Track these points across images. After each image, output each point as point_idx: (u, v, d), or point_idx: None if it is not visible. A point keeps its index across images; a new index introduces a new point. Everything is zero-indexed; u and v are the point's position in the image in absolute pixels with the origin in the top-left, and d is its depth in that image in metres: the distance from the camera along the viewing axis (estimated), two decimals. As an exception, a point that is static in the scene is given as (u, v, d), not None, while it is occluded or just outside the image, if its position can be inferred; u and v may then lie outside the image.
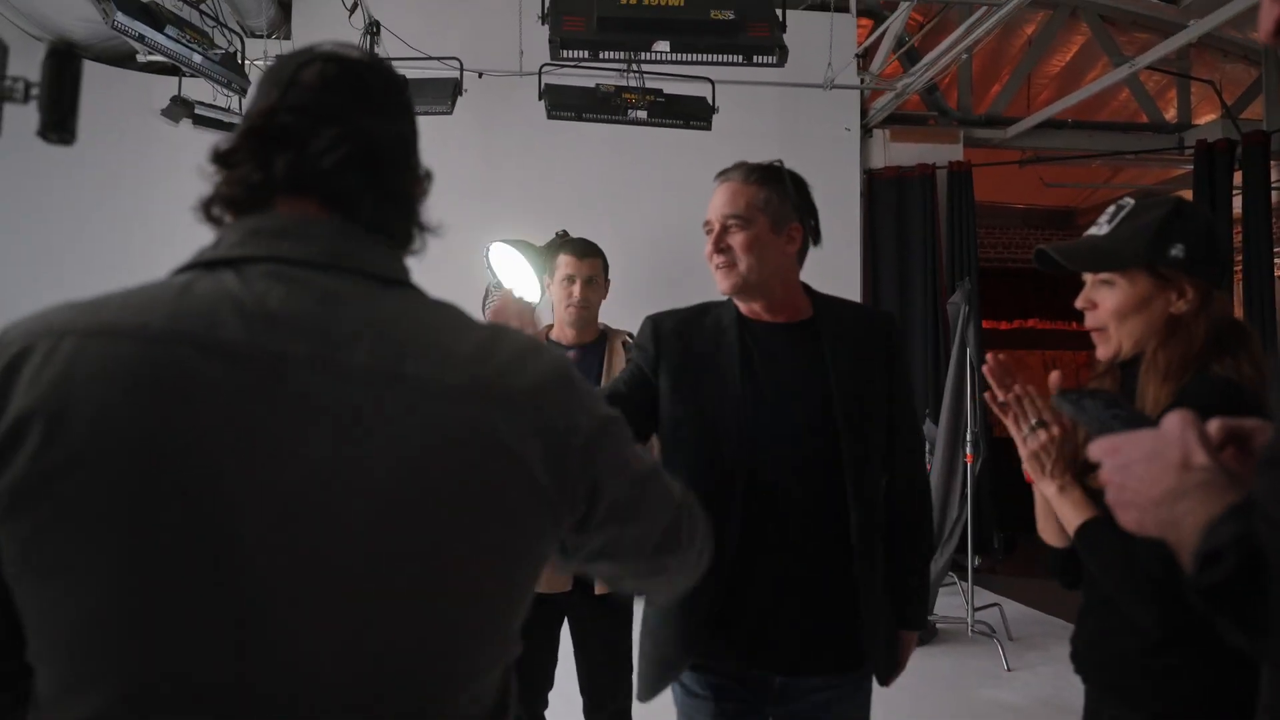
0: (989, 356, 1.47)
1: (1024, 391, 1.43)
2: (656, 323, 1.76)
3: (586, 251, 2.74)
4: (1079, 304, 1.45)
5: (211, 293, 0.76)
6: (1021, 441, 1.42)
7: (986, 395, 1.49)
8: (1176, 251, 1.32)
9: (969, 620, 4.47)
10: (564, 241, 2.84)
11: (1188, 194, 8.66)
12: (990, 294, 9.06)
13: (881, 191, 6.79)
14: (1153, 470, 0.75)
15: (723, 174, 1.76)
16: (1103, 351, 1.42)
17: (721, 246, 1.67)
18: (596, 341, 2.74)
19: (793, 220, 1.72)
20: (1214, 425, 0.79)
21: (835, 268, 6.51)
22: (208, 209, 0.86)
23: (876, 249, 6.80)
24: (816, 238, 1.78)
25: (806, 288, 1.77)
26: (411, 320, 0.82)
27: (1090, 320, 1.43)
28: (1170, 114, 7.47)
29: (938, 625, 4.64)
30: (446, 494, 0.74)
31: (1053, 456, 1.38)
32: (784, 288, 1.71)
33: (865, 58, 6.55)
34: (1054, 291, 10.47)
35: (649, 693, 1.66)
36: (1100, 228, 1.43)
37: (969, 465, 4.50)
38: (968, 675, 4.17)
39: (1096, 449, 0.83)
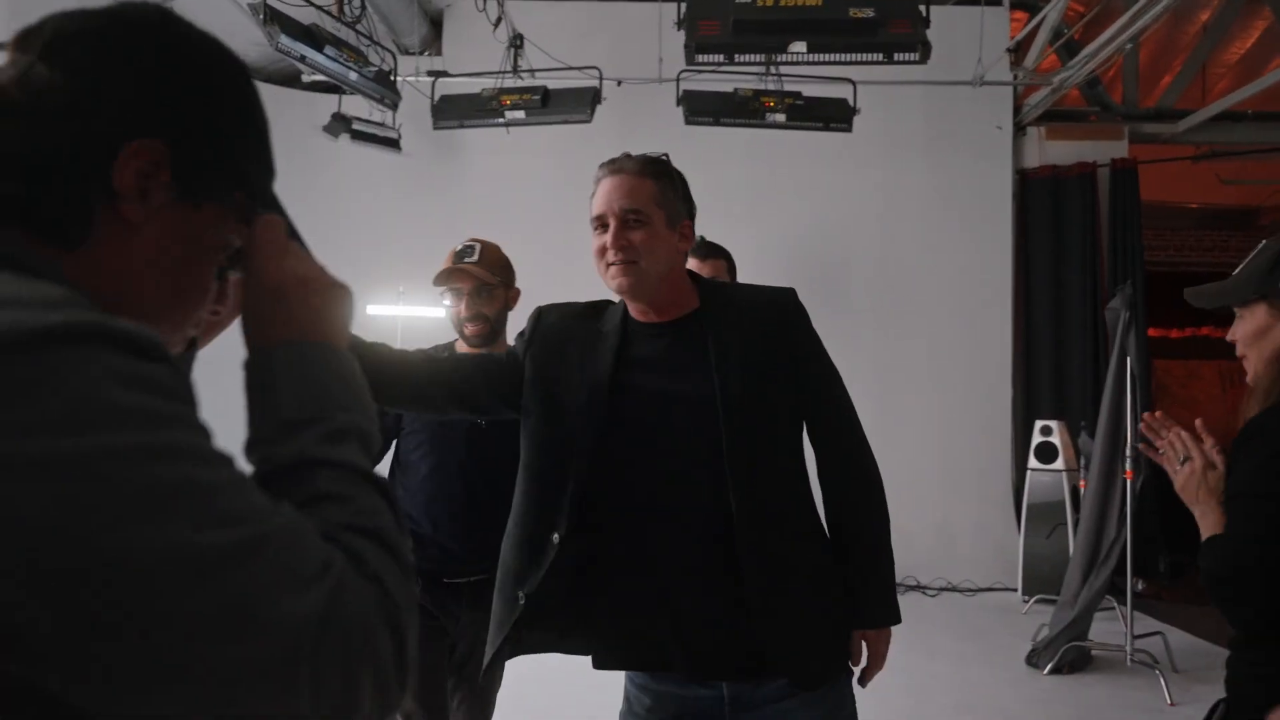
0: (1144, 417, 1.59)
1: (1175, 436, 1.57)
2: (541, 313, 1.71)
3: (709, 252, 2.73)
4: (1228, 338, 1.58)
5: None
6: (1173, 473, 1.56)
7: (1141, 446, 1.52)
8: None
9: (1128, 649, 4.18)
10: (699, 246, 2.84)
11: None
12: (1160, 300, 8.46)
13: (1035, 192, 6.46)
14: None
15: (612, 164, 1.63)
16: (1249, 378, 1.55)
17: (621, 243, 1.54)
18: None
19: (683, 216, 1.63)
20: None
21: (984, 272, 6.25)
22: None
23: (1029, 253, 6.47)
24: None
25: (695, 278, 1.68)
26: None
27: (1238, 351, 1.56)
28: (1369, 102, 6.79)
29: (1092, 652, 4.35)
30: None
31: (1198, 485, 1.50)
32: (673, 288, 1.61)
33: (1018, 51, 6.25)
34: (1232, 297, 9.71)
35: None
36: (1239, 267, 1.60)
37: (1129, 482, 4.21)
38: (1125, 708, 3.89)
39: None
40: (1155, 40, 6.97)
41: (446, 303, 2.28)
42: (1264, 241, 1.56)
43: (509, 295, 2.33)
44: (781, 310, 1.64)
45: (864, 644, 1.61)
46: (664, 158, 1.70)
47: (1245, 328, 1.52)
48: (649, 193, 1.59)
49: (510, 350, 1.70)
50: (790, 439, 1.59)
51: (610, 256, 1.55)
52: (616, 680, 1.70)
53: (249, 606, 0.47)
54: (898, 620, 1.62)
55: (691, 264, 2.64)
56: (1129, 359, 4.13)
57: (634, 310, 1.62)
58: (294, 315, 0.67)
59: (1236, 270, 1.56)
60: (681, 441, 1.54)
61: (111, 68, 0.62)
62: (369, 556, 0.56)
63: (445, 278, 2.24)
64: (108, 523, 0.45)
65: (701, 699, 1.56)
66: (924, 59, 3.40)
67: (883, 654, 1.62)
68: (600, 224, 1.58)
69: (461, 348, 2.27)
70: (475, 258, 2.29)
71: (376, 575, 0.55)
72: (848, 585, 1.59)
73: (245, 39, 5.39)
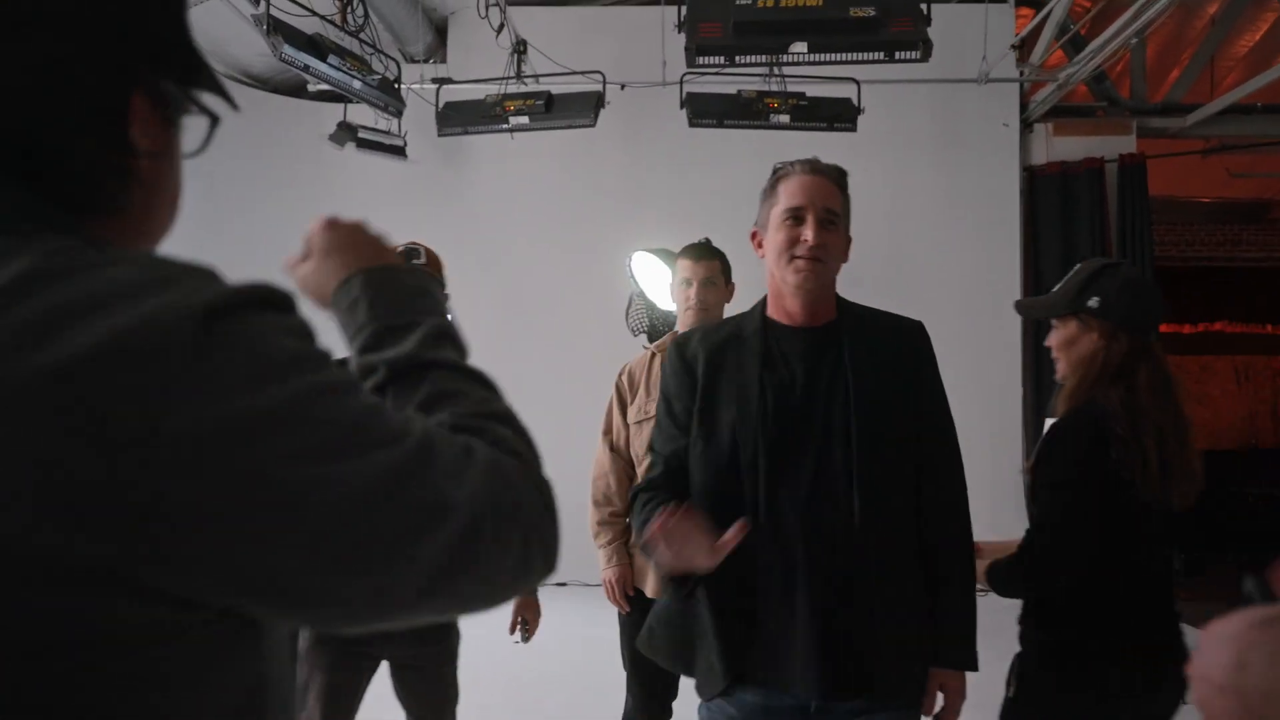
0: None
1: None
2: (680, 347, 1.68)
3: (703, 254, 2.72)
4: (1046, 344, 1.89)
5: None
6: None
7: None
8: (1093, 302, 1.76)
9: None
10: (688, 247, 2.82)
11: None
12: (1172, 295, 8.37)
13: (1044, 189, 6.42)
14: None
15: (808, 164, 1.64)
16: (1058, 376, 1.85)
17: (820, 239, 1.56)
18: None
19: (848, 232, 1.67)
20: None
21: (993, 270, 6.22)
22: None
23: (1038, 251, 6.43)
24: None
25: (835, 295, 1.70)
26: None
27: (1053, 355, 1.85)
28: (1381, 92, 6.72)
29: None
30: None
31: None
32: (830, 296, 1.65)
33: (1024, 48, 6.22)
34: (1246, 292, 9.63)
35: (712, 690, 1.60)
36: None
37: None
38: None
39: None
40: (1162, 34, 6.93)
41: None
42: (1078, 265, 1.90)
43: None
44: (913, 342, 1.67)
45: (940, 682, 1.61)
46: (843, 171, 1.71)
47: (1058, 337, 1.82)
48: (840, 200, 1.62)
49: (672, 411, 1.67)
50: (907, 466, 1.59)
51: (802, 250, 1.56)
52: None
53: (433, 501, 0.54)
54: (974, 668, 1.61)
55: (684, 265, 2.64)
56: (1139, 355, 4.10)
57: (781, 312, 1.64)
58: (358, 253, 0.76)
59: (1056, 287, 1.88)
60: (820, 444, 1.54)
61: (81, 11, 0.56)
62: (502, 435, 0.64)
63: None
64: (331, 455, 0.51)
65: (786, 709, 1.56)
66: (926, 57, 3.38)
67: (962, 694, 1.62)
68: (795, 216, 1.58)
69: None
70: (423, 260, 2.36)
71: (514, 450, 0.63)
72: (932, 618, 1.59)
73: (250, 50, 5.42)
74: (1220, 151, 7.20)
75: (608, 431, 2.75)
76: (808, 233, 1.55)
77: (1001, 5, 6.03)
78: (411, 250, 2.36)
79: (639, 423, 2.60)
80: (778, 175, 1.65)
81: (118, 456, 0.46)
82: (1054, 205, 6.38)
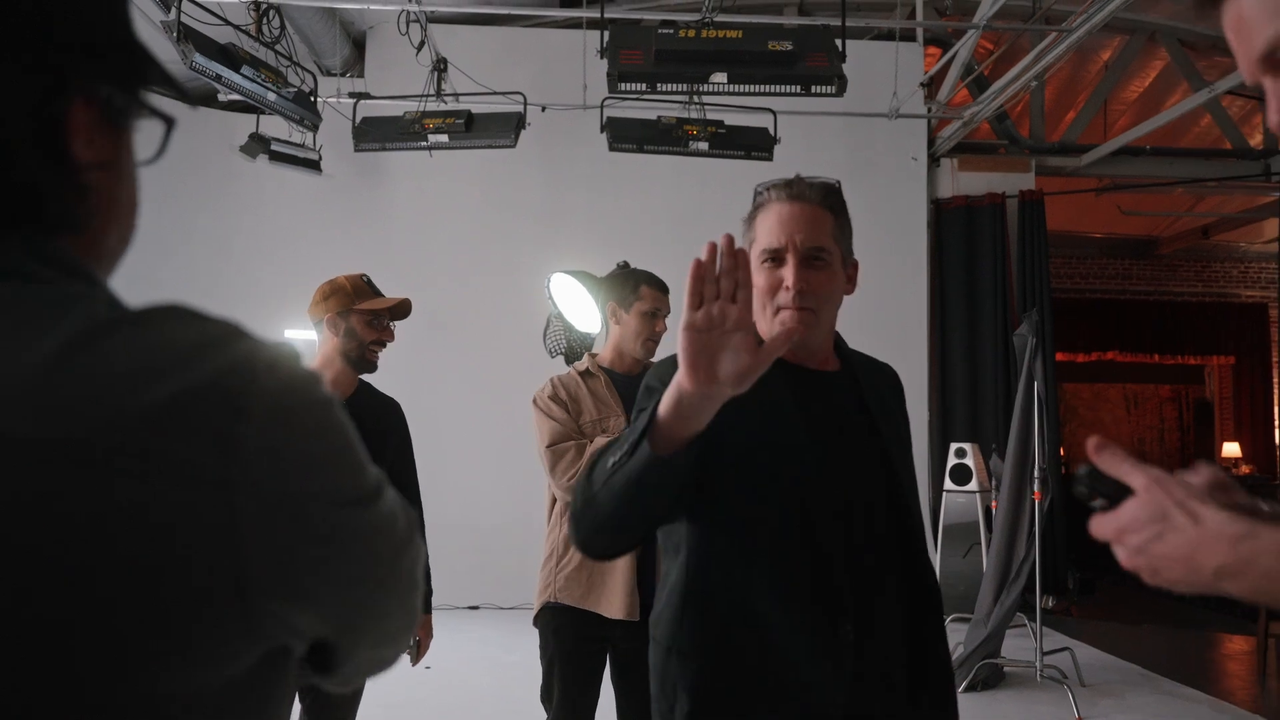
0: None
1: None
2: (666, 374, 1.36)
3: (667, 288, 2.75)
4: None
5: None
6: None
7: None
8: None
9: (1038, 665, 4.30)
10: (645, 274, 2.83)
11: (1274, 223, 8.33)
12: (1067, 325, 8.80)
13: (949, 221, 6.68)
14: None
15: (788, 188, 1.39)
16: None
17: (802, 286, 1.33)
18: (642, 374, 2.73)
19: (851, 256, 1.45)
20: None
21: (900, 300, 6.42)
22: None
23: (944, 280, 6.67)
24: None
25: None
26: None
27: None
28: (1256, 139, 7.20)
29: (1005, 669, 4.47)
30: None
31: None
32: (830, 339, 1.45)
33: (932, 86, 6.47)
34: (1135, 324, 10.14)
35: None
36: None
37: (1037, 503, 4.35)
38: (1037, 722, 4.01)
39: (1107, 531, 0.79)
40: (1060, 78, 7.30)
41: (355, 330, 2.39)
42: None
43: None
44: (896, 385, 1.56)
45: None
46: (838, 186, 1.46)
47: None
48: (829, 228, 1.39)
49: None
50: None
51: (785, 299, 1.33)
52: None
53: (404, 538, 0.59)
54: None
55: (653, 296, 2.62)
56: (1036, 384, 4.28)
57: (789, 354, 1.34)
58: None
59: None
60: (859, 494, 1.38)
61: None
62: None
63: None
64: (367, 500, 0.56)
65: None
66: (840, 91, 3.49)
67: None
68: (774, 259, 1.35)
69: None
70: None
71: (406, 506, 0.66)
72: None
73: (161, 57, 5.25)
74: (1112, 190, 7.59)
75: (556, 416, 2.60)
76: (789, 278, 1.33)
77: (911, 44, 6.27)
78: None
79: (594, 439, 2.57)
80: (756, 204, 1.42)
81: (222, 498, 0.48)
82: (959, 237, 6.63)
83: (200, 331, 0.50)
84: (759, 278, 1.35)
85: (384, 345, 2.38)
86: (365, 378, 2.41)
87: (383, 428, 2.41)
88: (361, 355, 2.32)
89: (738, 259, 1.07)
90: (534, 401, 2.55)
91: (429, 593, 2.38)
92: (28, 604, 0.45)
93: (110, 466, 0.45)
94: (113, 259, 0.61)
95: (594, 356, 2.76)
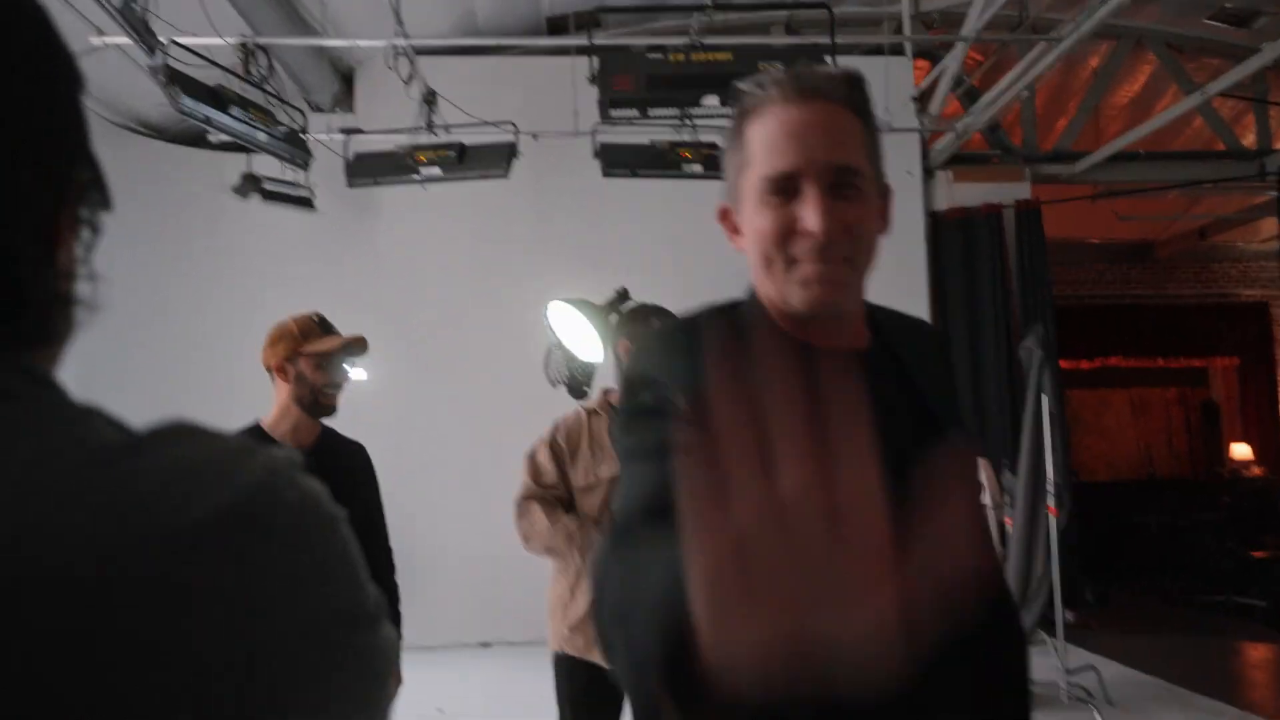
0: None
1: None
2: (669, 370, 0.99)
3: (664, 315, 2.70)
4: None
5: None
6: None
7: None
8: None
9: (1062, 684, 4.21)
10: (656, 308, 2.79)
11: (1271, 222, 8.31)
12: (1069, 332, 8.76)
13: (947, 234, 6.64)
14: None
15: (797, 81, 0.95)
16: None
17: (835, 225, 0.92)
18: None
19: (884, 179, 1.03)
20: None
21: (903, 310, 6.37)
22: None
23: (944, 293, 6.63)
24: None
25: None
26: None
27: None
28: (1249, 139, 7.19)
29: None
30: None
31: None
32: (861, 311, 1.07)
33: (923, 99, 6.46)
34: (1136, 327, 10.10)
35: None
36: None
37: (1053, 518, 4.28)
38: (1064, 741, 3.91)
39: None
40: (1050, 86, 7.29)
41: (351, 370, 2.29)
42: None
43: None
44: (940, 350, 1.20)
45: None
46: (861, 77, 1.01)
47: None
48: (860, 139, 0.96)
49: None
50: None
51: (806, 249, 0.92)
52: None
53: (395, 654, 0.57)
54: None
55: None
56: (1045, 397, 4.22)
57: (789, 323, 0.98)
58: None
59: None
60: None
61: None
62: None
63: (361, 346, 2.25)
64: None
65: None
66: (834, 110, 3.46)
67: None
68: (782, 189, 0.93)
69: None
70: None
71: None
72: None
73: (146, 100, 5.24)
74: (1108, 196, 7.57)
75: (536, 478, 2.56)
76: (810, 218, 0.91)
77: (900, 59, 6.26)
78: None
79: (588, 487, 2.49)
80: (744, 108, 0.97)
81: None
82: (957, 249, 6.59)
83: (215, 451, 0.48)
84: (760, 218, 0.95)
85: (339, 387, 2.28)
86: (328, 421, 2.31)
87: (350, 472, 2.34)
88: (315, 400, 2.21)
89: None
90: (532, 449, 2.52)
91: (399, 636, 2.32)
92: None
93: (137, 595, 0.42)
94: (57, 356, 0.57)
95: (606, 394, 2.69)
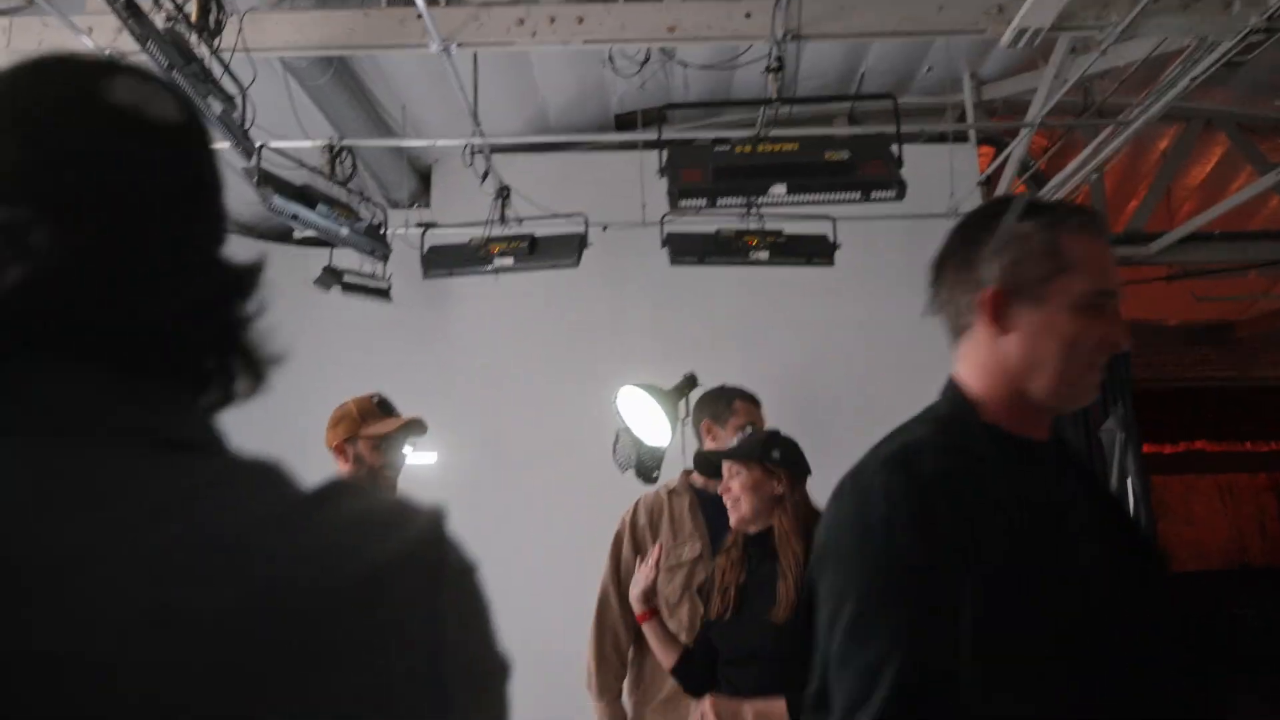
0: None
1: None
2: (926, 484, 1.00)
3: (759, 401, 2.77)
4: (722, 489, 2.29)
5: None
6: None
7: None
8: (776, 454, 2.20)
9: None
10: (738, 390, 2.84)
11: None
12: (1150, 417, 8.49)
13: (1018, 316, 6.56)
14: None
15: (1096, 222, 1.14)
16: (744, 515, 2.21)
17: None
18: None
19: None
20: None
21: (974, 397, 6.28)
22: None
23: (1017, 375, 6.52)
24: None
25: None
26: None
27: (734, 494, 2.22)
28: (1331, 218, 7.02)
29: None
30: None
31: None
32: None
33: (989, 184, 6.48)
34: (1221, 410, 9.75)
35: None
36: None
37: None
38: None
39: None
40: (1119, 168, 7.25)
41: (412, 452, 2.42)
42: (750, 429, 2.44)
43: None
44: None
45: None
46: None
47: (743, 480, 2.18)
48: None
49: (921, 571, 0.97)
50: None
51: (1105, 353, 1.08)
52: None
53: None
54: None
55: (746, 409, 2.64)
56: (1130, 479, 4.10)
57: (1014, 421, 1.09)
58: None
59: (738, 443, 2.29)
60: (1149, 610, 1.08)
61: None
62: None
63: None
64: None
65: None
66: (901, 195, 3.50)
67: None
68: (1101, 303, 1.08)
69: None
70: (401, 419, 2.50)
71: None
72: None
73: (238, 198, 5.54)
74: (1184, 277, 7.42)
75: (616, 571, 2.60)
76: (1123, 334, 1.08)
77: (965, 145, 6.31)
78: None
79: (670, 568, 2.51)
80: (1061, 221, 1.09)
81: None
82: (1029, 332, 6.49)
83: (380, 505, 0.53)
84: (1077, 324, 1.05)
85: (397, 469, 2.36)
86: None
87: None
88: (373, 481, 2.28)
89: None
90: (617, 533, 2.58)
91: None
92: None
93: (335, 634, 0.46)
94: None
95: (688, 474, 2.74)
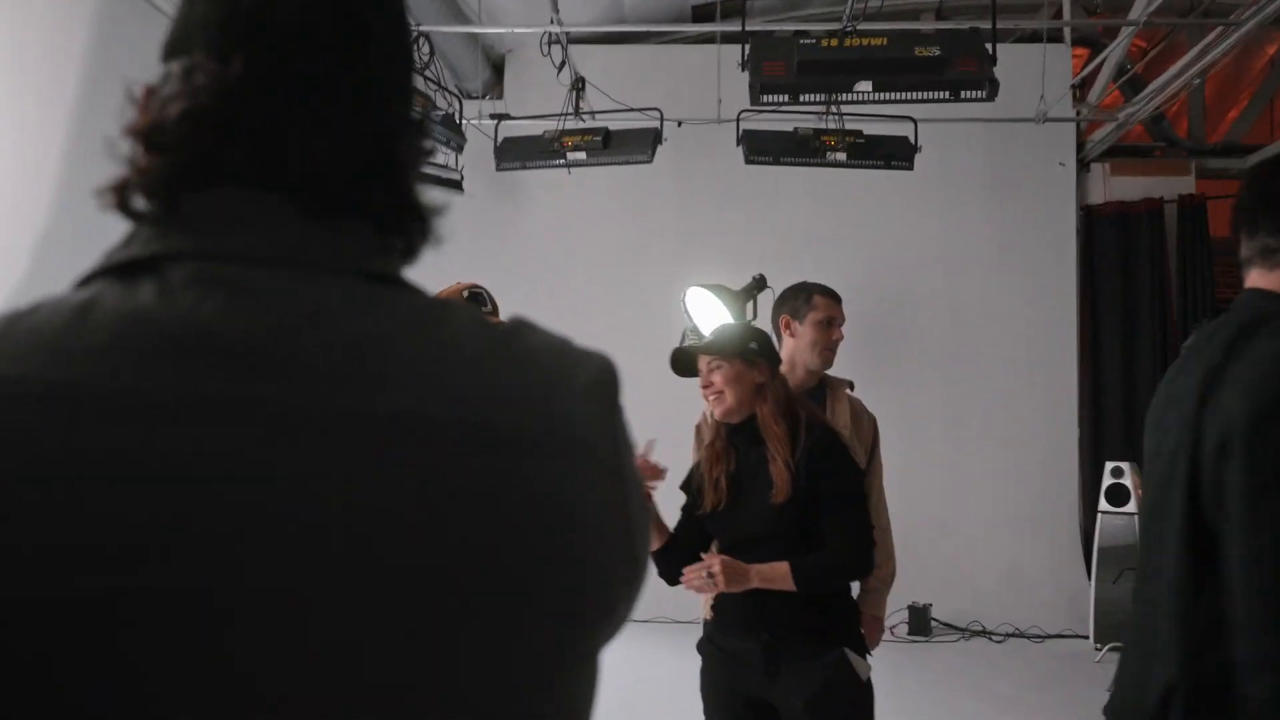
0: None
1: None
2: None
3: (839, 296, 2.77)
4: (704, 385, 2.32)
5: (120, 315, 0.49)
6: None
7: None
8: (754, 346, 2.27)
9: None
10: (817, 285, 2.83)
11: None
12: None
13: (1101, 229, 6.35)
14: None
15: None
16: (728, 406, 2.25)
17: None
18: (817, 388, 2.74)
19: None
20: None
21: (1048, 311, 6.15)
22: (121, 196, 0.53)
23: (1095, 290, 6.35)
24: None
25: None
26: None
27: (716, 388, 2.29)
28: None
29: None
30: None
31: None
32: None
33: (1082, 88, 6.19)
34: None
35: None
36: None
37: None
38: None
39: None
40: (1220, 75, 6.86)
41: None
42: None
43: None
44: None
45: None
46: None
47: (725, 373, 2.24)
48: None
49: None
50: None
51: None
52: None
53: None
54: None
55: (825, 304, 2.65)
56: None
57: None
58: None
59: (713, 336, 2.39)
60: None
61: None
62: None
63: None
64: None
65: None
66: (992, 96, 3.38)
67: None
68: None
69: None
70: (489, 307, 2.46)
71: None
72: None
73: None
74: None
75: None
76: None
77: (1058, 45, 6.01)
78: (475, 294, 2.46)
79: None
80: None
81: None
82: (1111, 245, 6.30)
83: (563, 340, 0.58)
84: None
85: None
86: None
87: None
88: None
89: None
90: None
91: None
92: (481, 578, 0.49)
93: (539, 449, 0.51)
94: None
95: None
